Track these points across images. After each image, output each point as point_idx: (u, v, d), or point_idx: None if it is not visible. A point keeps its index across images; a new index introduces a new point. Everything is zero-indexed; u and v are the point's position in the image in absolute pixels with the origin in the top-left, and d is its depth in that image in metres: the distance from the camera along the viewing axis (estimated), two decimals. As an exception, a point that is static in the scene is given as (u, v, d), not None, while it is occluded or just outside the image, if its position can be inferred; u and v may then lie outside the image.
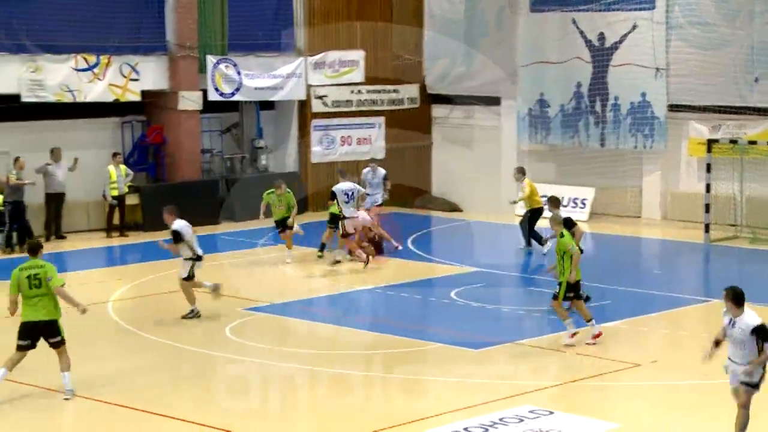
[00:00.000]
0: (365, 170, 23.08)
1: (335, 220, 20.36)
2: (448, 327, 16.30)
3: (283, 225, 20.84)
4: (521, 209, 22.81)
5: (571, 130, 26.76)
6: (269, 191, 20.88)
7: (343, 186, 20.40)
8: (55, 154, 23.31)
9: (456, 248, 21.97)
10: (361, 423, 12.06)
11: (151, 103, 25.54)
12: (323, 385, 13.53)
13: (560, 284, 14.72)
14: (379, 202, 22.64)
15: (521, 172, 22.37)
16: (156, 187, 25.41)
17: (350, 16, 28.18)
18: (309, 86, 27.37)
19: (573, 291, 14.71)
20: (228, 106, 26.95)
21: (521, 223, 22.31)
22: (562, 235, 14.88)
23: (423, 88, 29.23)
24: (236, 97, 26.41)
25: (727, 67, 24.28)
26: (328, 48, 27.73)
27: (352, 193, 20.25)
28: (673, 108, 25.32)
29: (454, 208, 28.29)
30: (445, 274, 19.78)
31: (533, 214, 21.95)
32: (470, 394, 12.95)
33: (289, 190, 21.00)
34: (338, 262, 20.48)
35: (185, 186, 25.39)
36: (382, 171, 23.01)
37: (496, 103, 28.22)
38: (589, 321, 14.79)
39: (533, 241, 21.65)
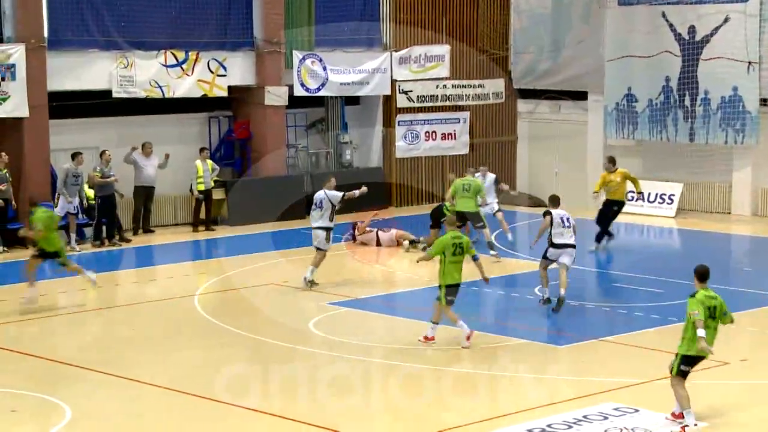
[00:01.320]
0: (476, 176, 22.12)
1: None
2: (532, 323, 16.21)
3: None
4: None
5: (659, 124, 26.42)
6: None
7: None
8: (146, 148, 23.73)
9: (540, 244, 21.78)
10: (446, 419, 12.05)
11: (238, 99, 25.84)
12: (405, 381, 13.55)
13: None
14: (496, 209, 22.23)
15: (611, 161, 21.98)
16: (242, 182, 25.70)
17: (436, 10, 28.17)
18: (394, 81, 27.42)
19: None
20: (313, 102, 27.14)
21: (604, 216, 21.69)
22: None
23: (509, 83, 29.09)
24: (322, 93, 26.57)
25: (822, 60, 23.77)
26: (414, 43, 27.74)
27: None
28: (766, 102, 24.83)
29: (538, 203, 28.09)
30: (529, 270, 19.62)
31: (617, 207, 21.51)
32: (554, 390, 12.90)
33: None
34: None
35: (271, 181, 25.65)
36: (492, 175, 22.63)
37: (582, 98, 27.99)
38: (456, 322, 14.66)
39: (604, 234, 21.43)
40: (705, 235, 23.25)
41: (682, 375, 11.59)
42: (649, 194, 26.03)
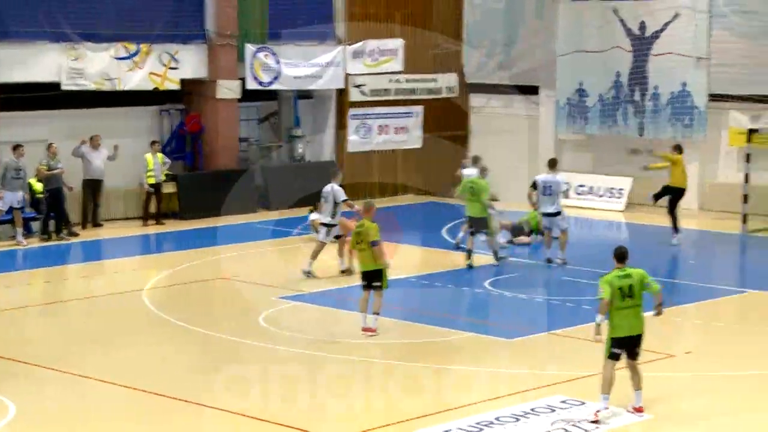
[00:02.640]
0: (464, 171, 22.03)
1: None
2: (482, 317, 16.26)
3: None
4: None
5: (610, 119, 26.59)
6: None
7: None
8: (94, 141, 23.48)
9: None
10: (393, 413, 12.06)
11: (190, 92, 25.64)
12: (354, 374, 13.52)
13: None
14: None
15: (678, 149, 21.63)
16: (193, 176, 25.55)
17: (390, 4, 28.13)
18: (347, 75, 27.35)
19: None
20: (266, 95, 27.01)
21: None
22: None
23: (461, 77, 29.12)
24: (274, 86, 26.45)
25: (769, 55, 24.02)
26: (368, 37, 27.69)
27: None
28: (714, 98, 25.06)
29: (491, 197, 28.12)
30: (480, 263, 19.69)
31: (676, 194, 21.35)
32: (502, 384, 12.94)
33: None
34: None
35: (222, 174, 25.50)
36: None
37: (534, 93, 28.08)
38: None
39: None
40: (653, 228, 23.39)
41: (613, 357, 11.62)
42: (599, 188, 26.21)
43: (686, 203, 25.50)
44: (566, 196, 20.51)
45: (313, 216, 21.36)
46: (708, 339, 14.95)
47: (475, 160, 21.35)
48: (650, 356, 13.11)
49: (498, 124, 28.61)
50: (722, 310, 16.71)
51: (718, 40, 24.84)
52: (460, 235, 20.62)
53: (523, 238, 21.66)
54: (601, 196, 26.22)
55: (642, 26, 26.02)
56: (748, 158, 23.19)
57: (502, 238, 20.58)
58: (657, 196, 21.70)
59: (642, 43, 26.07)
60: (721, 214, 24.45)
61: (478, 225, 19.38)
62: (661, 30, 25.71)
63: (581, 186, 26.59)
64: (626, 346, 11.65)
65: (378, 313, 15.05)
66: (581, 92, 27.01)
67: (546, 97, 27.74)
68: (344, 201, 18.60)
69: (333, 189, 18.68)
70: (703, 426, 11.62)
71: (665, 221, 22.44)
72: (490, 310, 16.69)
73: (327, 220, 18.73)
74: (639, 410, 11.76)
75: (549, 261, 19.52)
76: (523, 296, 17.39)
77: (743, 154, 23.48)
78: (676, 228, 21.34)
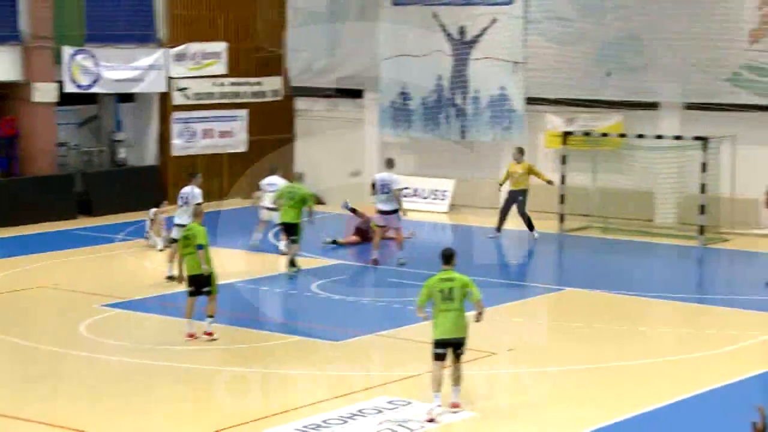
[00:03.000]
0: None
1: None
2: (310, 320, 16.26)
3: None
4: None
5: (432, 122, 26.99)
6: None
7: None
8: None
9: (319, 241, 21.90)
10: (221, 417, 11.91)
11: (4, 95, 24.71)
12: (181, 381, 13.30)
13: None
14: None
15: (520, 152, 22.62)
16: (8, 181, 24.64)
17: (212, 7, 27.81)
18: (170, 78, 26.91)
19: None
20: (86, 99, 26.30)
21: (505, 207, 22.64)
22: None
23: (286, 81, 29.06)
24: (94, 90, 25.78)
25: (581, 61, 24.83)
26: (190, 40, 27.31)
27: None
28: (531, 101, 25.77)
29: (317, 200, 28.20)
30: (308, 266, 19.69)
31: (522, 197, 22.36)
32: (330, 386, 12.94)
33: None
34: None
35: (40, 180, 24.68)
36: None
37: (358, 96, 28.26)
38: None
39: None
40: (476, 229, 23.92)
41: (437, 358, 11.80)
42: (424, 190, 26.61)
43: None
44: (404, 195, 20.62)
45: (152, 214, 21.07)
46: (529, 336, 15.33)
47: (273, 170, 21.18)
48: (473, 354, 13.36)
49: (323, 128, 28.68)
50: (542, 307, 17.19)
51: (533, 46, 25.55)
52: (282, 243, 20.37)
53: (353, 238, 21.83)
54: (425, 198, 26.63)
55: (461, 31, 26.53)
56: (563, 160, 23.93)
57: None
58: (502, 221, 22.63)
59: (462, 47, 26.58)
60: (539, 214, 25.10)
61: (290, 231, 19.02)
62: (480, 35, 26.27)
63: (406, 188, 26.83)
64: (447, 347, 11.84)
65: (212, 317, 14.87)
66: (404, 95, 27.32)
67: (370, 100, 27.95)
68: (197, 204, 18.34)
69: (193, 191, 18.59)
70: (525, 421, 11.90)
71: (486, 222, 22.99)
72: (317, 313, 16.67)
73: (186, 222, 18.42)
74: (455, 406, 11.92)
75: (375, 262, 19.66)
76: (350, 298, 17.48)
77: (559, 156, 24.21)
78: (530, 226, 22.18)
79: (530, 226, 22.42)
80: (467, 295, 11.87)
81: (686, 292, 18.00)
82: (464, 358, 12.04)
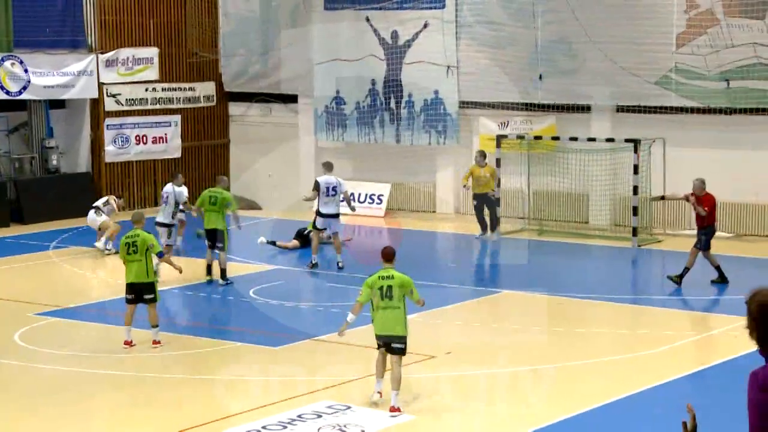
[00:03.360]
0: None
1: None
2: (247, 325, 16.19)
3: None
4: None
5: (367, 127, 27.04)
6: None
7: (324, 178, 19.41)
8: None
9: (254, 246, 21.83)
10: (160, 425, 11.82)
11: (-69, 102, 24.29)
12: (120, 389, 13.17)
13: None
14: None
15: (483, 155, 23.05)
16: (-62, 190, 24.18)
17: (143, 12, 27.58)
18: (101, 84, 26.63)
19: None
20: (15, 105, 25.91)
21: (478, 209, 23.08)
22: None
23: (220, 86, 28.93)
24: (23, 96, 25.44)
25: (514, 64, 25.04)
26: (121, 45, 27.06)
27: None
28: (464, 105, 25.93)
29: (252, 206, 28.16)
30: (244, 272, 19.62)
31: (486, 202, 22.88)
32: (269, 392, 12.93)
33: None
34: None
35: (-30, 188, 24.27)
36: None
37: (293, 101, 28.22)
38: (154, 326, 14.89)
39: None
40: (412, 233, 24.02)
41: (379, 347, 12.12)
42: (360, 195, 26.65)
43: (443, 208, 26.40)
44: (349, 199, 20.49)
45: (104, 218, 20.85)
46: (466, 339, 15.42)
47: (174, 177, 20.36)
48: (413, 358, 13.43)
49: (258, 133, 28.60)
50: (479, 310, 17.30)
51: (466, 50, 25.71)
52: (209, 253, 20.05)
53: (291, 243, 21.79)
54: (361, 202, 26.66)
55: (394, 35, 26.62)
56: (497, 163, 24.11)
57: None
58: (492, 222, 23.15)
59: (395, 51, 26.66)
60: (475, 218, 25.29)
61: (214, 238, 18.52)
62: (413, 39, 26.38)
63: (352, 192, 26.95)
64: (385, 343, 12.02)
65: (157, 326, 14.75)
66: (338, 100, 27.34)
67: (305, 105, 27.93)
68: (184, 203, 19.17)
69: (174, 190, 18.99)
70: (464, 423, 11.98)
71: (423, 225, 23.09)
72: (255, 319, 16.60)
73: (167, 220, 19.05)
74: (394, 410, 11.98)
75: (314, 266, 19.63)
76: (288, 304, 17.44)
77: (493, 159, 24.39)
78: (492, 226, 22.88)
79: (493, 228, 22.87)
80: (410, 294, 11.98)
81: (621, 293, 18.22)
82: (404, 360, 12.08)
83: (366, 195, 26.70)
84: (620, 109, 24.35)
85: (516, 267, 20.89)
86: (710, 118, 23.38)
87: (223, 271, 18.48)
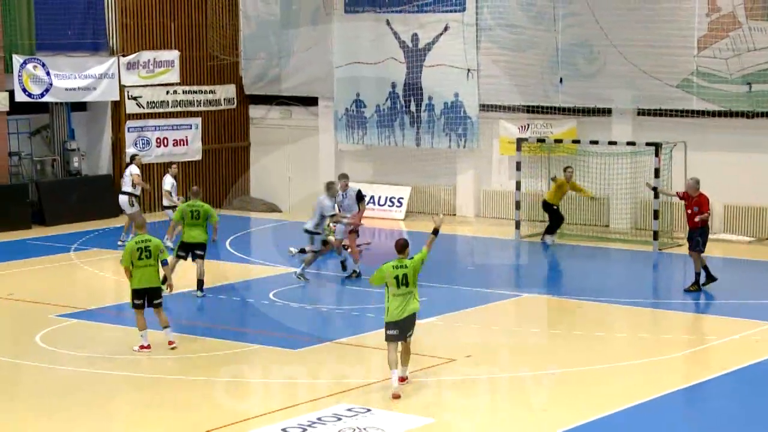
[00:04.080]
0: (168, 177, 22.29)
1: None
2: (268, 328, 16.21)
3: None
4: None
5: (387, 129, 27.03)
6: None
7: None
8: None
9: (275, 249, 21.88)
10: (178, 427, 11.86)
11: (-47, 104, 24.46)
12: (140, 390, 13.22)
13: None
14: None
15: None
16: (-39, 192, 24.35)
17: (164, 15, 27.69)
18: (122, 87, 26.75)
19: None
20: (37, 108, 26.06)
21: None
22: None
23: (240, 89, 29.01)
24: (46, 99, 25.57)
25: (534, 68, 24.98)
26: (142, 48, 27.18)
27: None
28: (485, 108, 25.89)
29: (272, 208, 28.21)
30: (264, 275, 19.67)
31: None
32: (289, 394, 12.93)
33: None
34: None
35: (-8, 190, 24.43)
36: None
37: (313, 104, 28.24)
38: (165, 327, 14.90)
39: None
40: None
41: (389, 339, 12.75)
42: (380, 197, 26.68)
43: (462, 210, 26.40)
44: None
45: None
46: (487, 342, 15.39)
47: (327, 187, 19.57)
48: (432, 361, 13.44)
49: (278, 136, 28.64)
50: (499, 313, 17.26)
51: (486, 53, 25.68)
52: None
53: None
54: (382, 205, 26.67)
55: (414, 38, 26.61)
56: (518, 166, 24.08)
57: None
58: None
59: (415, 54, 26.66)
60: (495, 221, 25.32)
61: (194, 249, 17.92)
62: (433, 42, 26.37)
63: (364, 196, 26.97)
64: (399, 328, 12.73)
65: (169, 325, 14.80)
66: (359, 103, 27.34)
67: (325, 108, 27.92)
68: (331, 216, 18.80)
69: (319, 201, 18.83)
70: (483, 427, 11.97)
71: (443, 228, 23.02)
72: (276, 322, 16.63)
73: (310, 228, 18.97)
74: (402, 380, 12.82)
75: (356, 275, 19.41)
76: (308, 306, 17.46)
77: (514, 162, 24.37)
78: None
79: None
80: (422, 264, 12.89)
81: (642, 297, 18.15)
82: (424, 362, 12.14)
83: (386, 198, 26.71)
84: (641, 112, 24.28)
85: (536, 270, 20.86)
86: (732, 122, 23.28)
87: (200, 282, 17.99)
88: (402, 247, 12.96)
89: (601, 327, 16.26)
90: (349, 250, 19.83)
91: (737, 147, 23.23)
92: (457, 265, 21.40)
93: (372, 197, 26.57)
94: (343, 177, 20.03)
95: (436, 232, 13.41)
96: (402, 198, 26.77)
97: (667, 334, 15.81)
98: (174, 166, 22.85)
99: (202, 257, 17.96)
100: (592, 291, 18.22)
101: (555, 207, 22.83)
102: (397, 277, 12.67)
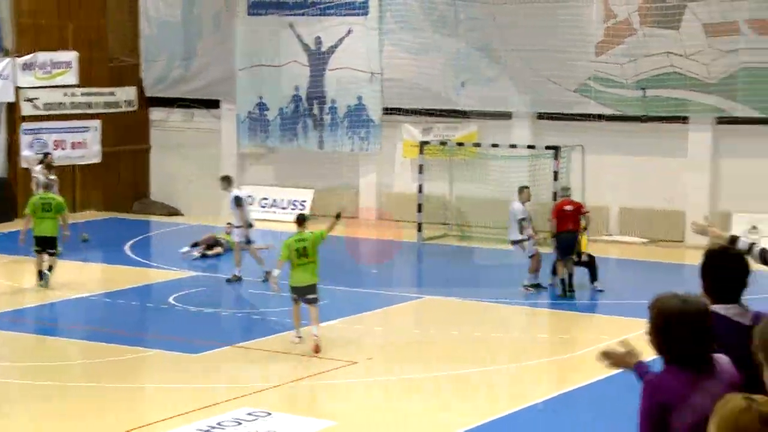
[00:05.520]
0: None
1: None
2: (167, 332, 16.05)
3: None
4: None
5: (290, 132, 26.97)
6: None
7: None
8: None
9: (175, 253, 21.67)
10: (75, 436, 11.67)
11: None
12: (37, 399, 12.96)
13: None
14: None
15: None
16: None
17: (61, 15, 27.18)
18: (18, 88, 26.18)
19: None
20: (-72, 109, 25.38)
21: None
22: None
23: (141, 91, 28.63)
24: (-62, 100, 24.92)
25: (436, 71, 25.18)
26: (39, 49, 26.63)
27: None
28: (388, 111, 26.00)
29: (173, 212, 27.90)
30: (164, 279, 19.45)
31: None
32: (189, 399, 12.79)
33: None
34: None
35: None
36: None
37: (215, 106, 28.04)
38: None
39: None
40: (334, 239, 23.88)
41: (295, 301, 14.56)
42: (282, 201, 26.58)
43: (365, 213, 26.44)
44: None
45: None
46: (388, 345, 15.46)
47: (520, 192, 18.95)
48: (334, 364, 13.46)
49: (179, 139, 28.35)
50: (401, 315, 17.35)
51: (389, 56, 25.80)
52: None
53: (219, 249, 21.63)
54: (284, 208, 26.59)
55: (318, 41, 26.59)
56: (420, 169, 24.24)
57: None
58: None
59: (318, 57, 26.64)
60: (398, 224, 25.41)
61: (47, 244, 17.85)
62: (336, 45, 26.39)
63: (265, 199, 26.84)
64: (300, 293, 14.42)
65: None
66: (261, 106, 27.22)
67: (227, 110, 27.74)
68: (521, 220, 18.34)
69: (512, 207, 18.55)
70: (383, 428, 12.02)
71: (345, 231, 23.13)
72: (176, 326, 16.47)
73: (515, 237, 18.43)
74: (314, 335, 14.28)
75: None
76: (209, 310, 17.32)
77: (416, 165, 24.52)
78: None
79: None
80: (322, 239, 14.52)
81: (541, 299, 18.40)
82: (327, 365, 12.17)
83: (288, 201, 26.64)
84: (541, 116, 24.64)
85: (438, 272, 21.02)
86: (626, 126, 23.78)
87: (43, 274, 17.94)
88: (301, 220, 14.76)
89: (501, 328, 16.45)
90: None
91: (632, 150, 23.71)
92: (359, 268, 21.45)
93: (274, 200, 26.45)
94: (224, 179, 19.91)
95: (339, 216, 15.10)
96: (305, 201, 26.72)
97: (565, 335, 16.06)
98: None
99: (54, 254, 18.02)
100: (492, 292, 18.38)
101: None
102: (298, 250, 14.33)
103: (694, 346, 4.71)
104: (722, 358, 4.83)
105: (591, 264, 18.44)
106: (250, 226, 19.39)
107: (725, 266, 5.46)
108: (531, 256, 18.55)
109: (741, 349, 3.33)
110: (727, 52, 22.48)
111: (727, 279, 5.44)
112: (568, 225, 18.05)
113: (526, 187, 19.22)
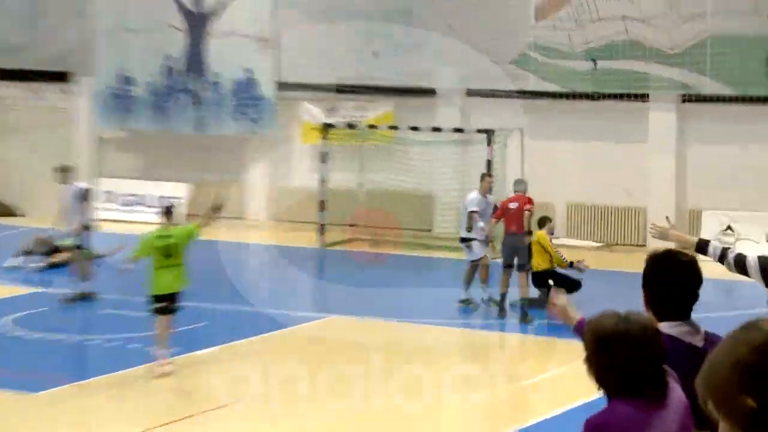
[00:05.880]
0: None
1: None
2: (3, 365, 15.61)
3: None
4: None
5: (161, 112, 26.69)
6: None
7: None
8: None
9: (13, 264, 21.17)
10: None
11: None
12: None
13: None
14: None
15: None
16: None
17: None
18: None
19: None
20: None
21: None
22: None
23: (-27, 61, 28.13)
24: None
25: (344, 40, 25.18)
26: None
27: None
28: (284, 87, 25.83)
29: (9, 212, 27.36)
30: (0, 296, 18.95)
31: None
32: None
33: None
34: None
35: None
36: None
37: (65, 80, 27.60)
38: None
39: None
40: (215, 244, 23.42)
41: (159, 312, 14.29)
42: (151, 197, 26.18)
43: (253, 212, 26.15)
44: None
45: None
46: (275, 379, 15.12)
47: None
48: (204, 405, 13.11)
49: (21, 120, 27.91)
50: (297, 340, 17.10)
51: (286, 20, 25.65)
52: None
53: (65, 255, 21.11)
54: (152, 206, 26.02)
55: (197, 1, 26.31)
56: (323, 158, 24.05)
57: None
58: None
59: (198, 20, 26.45)
60: (294, 225, 25.17)
61: None
62: (220, 6, 26.13)
63: (131, 195, 26.51)
64: (166, 302, 14.19)
65: None
66: (126, 79, 27.01)
67: (82, 85, 27.38)
68: (471, 212, 18.27)
69: (466, 197, 19.03)
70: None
71: (231, 235, 22.77)
72: (11, 356, 15.95)
73: (463, 234, 18.84)
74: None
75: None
76: (55, 336, 16.82)
77: (318, 153, 24.32)
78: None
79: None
80: (194, 236, 14.33)
81: (470, 317, 18.25)
82: (189, 410, 12.56)
83: (158, 197, 26.08)
84: (471, 93, 24.63)
85: (344, 286, 20.79)
86: (575, 104, 23.86)
87: None
88: (168, 212, 14.54)
89: (419, 353, 16.22)
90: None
91: (581, 134, 23.77)
92: (246, 281, 21.10)
93: (142, 197, 26.13)
94: (62, 170, 19.51)
95: (217, 208, 14.87)
96: (179, 197, 26.21)
97: (497, 364, 15.88)
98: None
99: None
100: (410, 310, 18.21)
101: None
102: (160, 248, 14.04)
103: (641, 372, 4.67)
104: (672, 376, 4.81)
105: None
106: (86, 228, 18.86)
107: (672, 274, 5.49)
108: (472, 262, 18.18)
109: (693, 375, 3.16)
110: (694, 17, 22.61)
111: (674, 290, 5.47)
112: (511, 226, 17.85)
113: (489, 175, 19.16)
